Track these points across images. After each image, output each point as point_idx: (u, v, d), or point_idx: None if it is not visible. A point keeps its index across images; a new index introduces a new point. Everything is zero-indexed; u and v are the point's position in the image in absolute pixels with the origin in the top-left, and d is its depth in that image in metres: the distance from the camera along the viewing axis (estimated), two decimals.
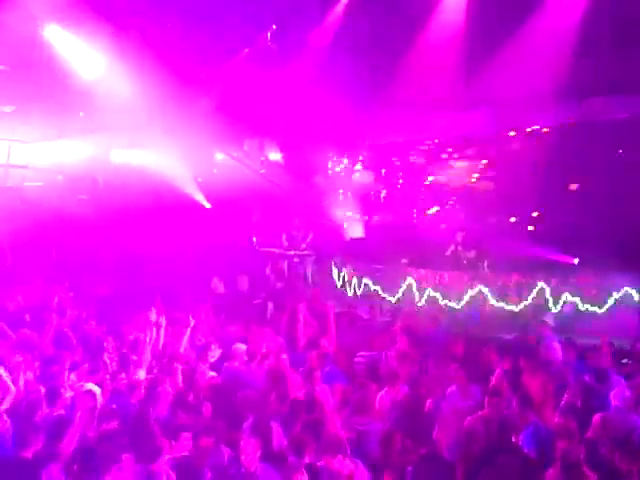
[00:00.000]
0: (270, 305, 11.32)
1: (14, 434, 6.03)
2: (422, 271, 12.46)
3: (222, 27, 13.28)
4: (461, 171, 16.01)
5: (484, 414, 6.09)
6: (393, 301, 12.07)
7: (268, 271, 14.62)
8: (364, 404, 6.45)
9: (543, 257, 11.98)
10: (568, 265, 11.99)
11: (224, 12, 12.90)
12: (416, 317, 10.39)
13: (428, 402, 6.63)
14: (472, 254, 13.17)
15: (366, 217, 16.53)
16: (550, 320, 10.33)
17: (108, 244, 13.50)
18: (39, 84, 12.61)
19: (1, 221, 12.81)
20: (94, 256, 13.01)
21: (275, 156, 17.17)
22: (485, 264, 12.66)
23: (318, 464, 5.33)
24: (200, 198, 16.31)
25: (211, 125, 14.85)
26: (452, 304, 11.45)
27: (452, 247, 13.29)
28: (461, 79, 13.68)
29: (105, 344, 8.44)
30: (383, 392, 6.88)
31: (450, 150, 16.14)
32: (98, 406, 6.47)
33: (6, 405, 6.52)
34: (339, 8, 14.55)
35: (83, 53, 13.32)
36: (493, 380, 7.10)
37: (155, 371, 7.79)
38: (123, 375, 7.49)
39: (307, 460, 5.36)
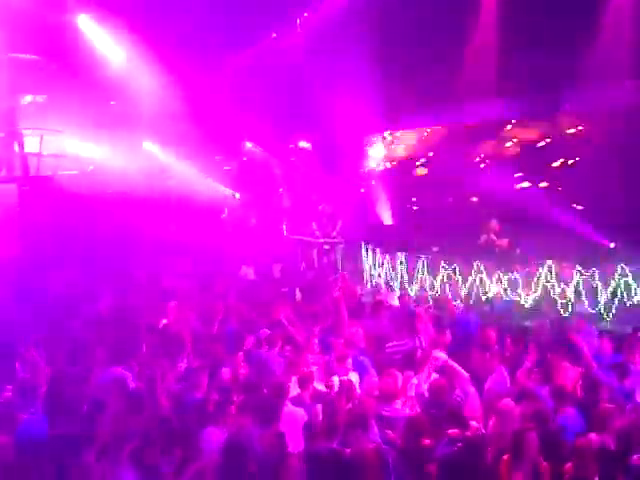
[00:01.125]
0: (298, 293, 11.31)
1: (48, 415, 6.17)
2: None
3: (248, 14, 13.22)
4: None
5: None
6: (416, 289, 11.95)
7: (298, 259, 14.66)
8: (390, 391, 6.40)
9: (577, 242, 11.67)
10: (604, 250, 11.70)
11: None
12: (442, 304, 10.32)
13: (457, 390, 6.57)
14: (505, 242, 12.96)
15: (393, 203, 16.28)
16: (587, 309, 10.11)
17: (139, 233, 13.68)
18: (71, 73, 12.76)
19: (35, 210, 13.08)
20: (124, 244, 13.20)
21: (304, 143, 17.12)
22: (517, 252, 12.44)
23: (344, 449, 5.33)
24: (229, 190, 16.51)
25: (239, 113, 14.89)
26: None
27: (485, 236, 13.08)
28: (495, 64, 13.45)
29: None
30: (415, 379, 6.85)
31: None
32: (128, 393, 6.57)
33: (42, 387, 6.66)
34: None
35: (112, 43, 13.41)
36: (520, 377, 6.98)
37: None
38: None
39: (332, 446, 5.36)
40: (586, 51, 12.40)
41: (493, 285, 11.05)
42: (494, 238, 13.00)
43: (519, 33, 12.75)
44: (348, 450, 5.28)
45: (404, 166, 16.57)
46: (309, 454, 5.38)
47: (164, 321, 9.34)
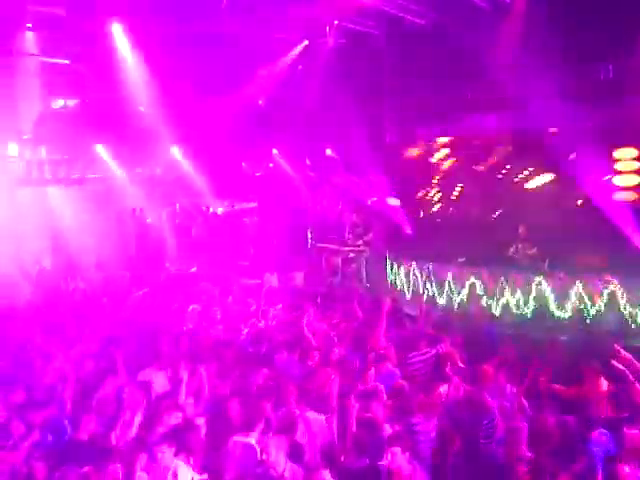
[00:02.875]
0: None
1: (71, 418, 6.18)
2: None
3: (279, 22, 13.24)
4: None
5: None
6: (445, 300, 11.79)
7: (322, 267, 14.62)
8: (415, 404, 6.30)
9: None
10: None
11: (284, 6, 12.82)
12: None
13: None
14: (534, 251, 12.74)
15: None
16: (613, 324, 9.87)
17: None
18: (101, 79, 12.91)
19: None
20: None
21: (331, 152, 17.11)
22: (546, 264, 12.18)
23: (379, 464, 5.27)
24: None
25: (267, 121, 14.95)
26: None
27: (514, 246, 12.89)
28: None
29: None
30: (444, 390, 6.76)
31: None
32: (153, 397, 6.57)
33: (68, 392, 6.68)
34: None
35: (139, 52, 13.46)
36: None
37: None
38: None
39: (366, 462, 5.29)
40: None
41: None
42: (522, 246, 12.79)
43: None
44: (382, 464, 5.21)
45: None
46: (342, 471, 5.27)
47: (190, 325, 9.36)
